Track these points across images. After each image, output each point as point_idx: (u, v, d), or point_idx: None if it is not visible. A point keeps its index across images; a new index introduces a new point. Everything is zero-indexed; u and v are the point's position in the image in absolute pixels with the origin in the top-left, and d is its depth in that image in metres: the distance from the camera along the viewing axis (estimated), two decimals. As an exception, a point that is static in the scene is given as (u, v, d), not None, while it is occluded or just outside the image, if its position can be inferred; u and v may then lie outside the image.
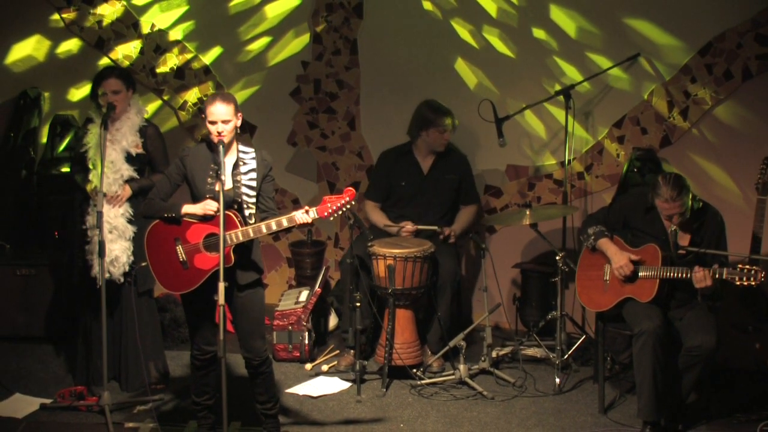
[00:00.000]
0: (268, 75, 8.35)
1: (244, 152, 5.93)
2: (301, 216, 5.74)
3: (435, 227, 7.50)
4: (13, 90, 8.40)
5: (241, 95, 8.30)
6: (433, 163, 7.68)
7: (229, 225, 5.75)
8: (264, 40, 8.29)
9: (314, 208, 5.74)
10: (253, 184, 5.89)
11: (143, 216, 5.95)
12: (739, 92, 7.76)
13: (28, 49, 8.42)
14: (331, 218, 5.76)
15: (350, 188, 5.79)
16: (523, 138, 8.12)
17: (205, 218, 5.82)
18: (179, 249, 5.90)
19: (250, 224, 5.79)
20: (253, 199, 5.89)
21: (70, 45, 8.39)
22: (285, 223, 5.74)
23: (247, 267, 5.92)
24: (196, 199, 5.88)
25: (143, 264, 6.16)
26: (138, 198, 6.79)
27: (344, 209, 5.74)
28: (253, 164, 5.91)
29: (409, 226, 7.53)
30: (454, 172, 7.68)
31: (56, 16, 8.35)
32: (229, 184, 5.86)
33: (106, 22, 8.31)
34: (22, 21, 8.39)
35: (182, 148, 6.01)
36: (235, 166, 5.90)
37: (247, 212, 5.86)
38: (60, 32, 8.39)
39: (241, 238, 5.76)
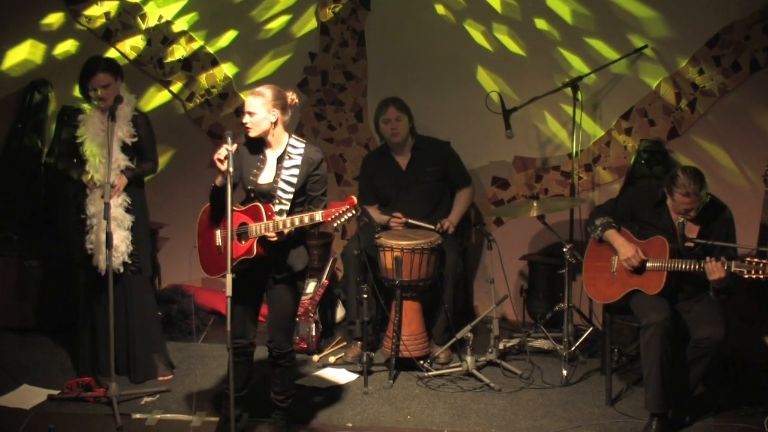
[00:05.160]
0: (276, 66, 8.34)
1: (293, 146, 5.94)
2: (309, 218, 5.73)
3: (430, 226, 7.48)
4: (20, 82, 8.40)
5: (248, 87, 8.30)
6: (411, 158, 7.66)
7: (256, 216, 5.77)
8: (271, 30, 8.28)
9: (320, 212, 5.70)
10: (293, 180, 5.88)
11: (212, 207, 5.98)
12: (747, 84, 7.75)
13: (25, 50, 8.41)
14: (334, 224, 5.71)
15: (352, 196, 5.74)
16: (530, 130, 8.11)
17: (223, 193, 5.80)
18: (218, 234, 5.96)
19: (273, 219, 5.79)
20: (289, 195, 5.87)
21: (74, 40, 8.37)
22: (297, 222, 5.73)
23: (283, 260, 5.94)
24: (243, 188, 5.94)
25: (194, 246, 6.21)
26: (133, 186, 6.83)
27: (345, 217, 5.68)
28: (297, 160, 5.90)
29: (398, 219, 7.52)
30: (434, 164, 7.64)
31: (57, 15, 8.35)
32: (270, 177, 5.89)
33: (113, 13, 8.31)
34: (22, 20, 8.39)
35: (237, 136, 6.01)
36: (280, 159, 5.91)
37: (277, 207, 5.86)
38: (63, 29, 8.38)
39: (262, 232, 5.77)
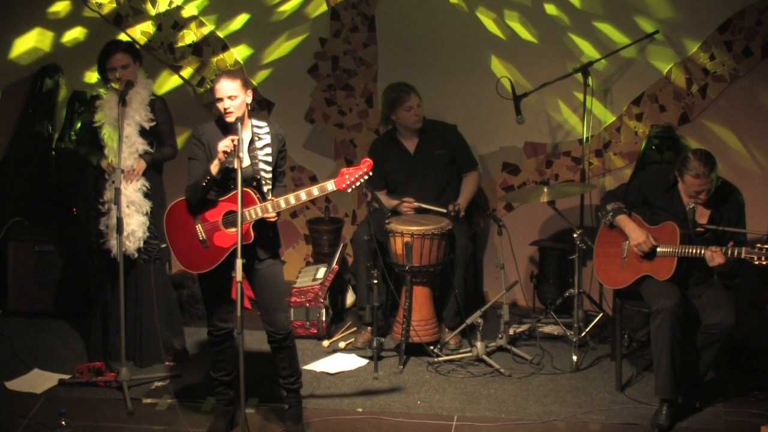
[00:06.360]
0: (286, 50, 8.33)
1: (258, 127, 5.93)
2: (319, 189, 5.74)
3: (441, 209, 7.47)
4: (29, 70, 8.42)
5: (259, 72, 8.30)
6: (419, 142, 7.66)
7: (247, 202, 5.76)
8: (283, 14, 8.27)
9: (332, 181, 5.73)
10: (269, 159, 5.89)
11: (190, 202, 5.92)
12: (759, 69, 7.71)
13: (33, 38, 8.41)
14: (349, 190, 5.74)
15: (367, 159, 5.77)
16: (541, 115, 8.09)
17: (228, 182, 5.81)
18: (198, 228, 5.91)
19: (269, 200, 5.80)
20: (270, 175, 5.89)
21: (83, 27, 8.37)
22: (303, 197, 5.75)
23: (266, 242, 5.93)
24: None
25: (163, 246, 6.18)
26: (151, 171, 6.83)
27: (362, 180, 5.72)
28: (267, 139, 5.91)
29: (410, 203, 7.52)
30: (442, 147, 7.65)
31: (64, 2, 8.34)
32: (247, 161, 5.86)
33: (123, -1, 8.34)
34: (29, 9, 8.41)
35: (196, 128, 6.00)
36: (251, 142, 5.90)
37: (264, 188, 5.86)
38: (71, 16, 8.38)
39: (260, 214, 5.76)
